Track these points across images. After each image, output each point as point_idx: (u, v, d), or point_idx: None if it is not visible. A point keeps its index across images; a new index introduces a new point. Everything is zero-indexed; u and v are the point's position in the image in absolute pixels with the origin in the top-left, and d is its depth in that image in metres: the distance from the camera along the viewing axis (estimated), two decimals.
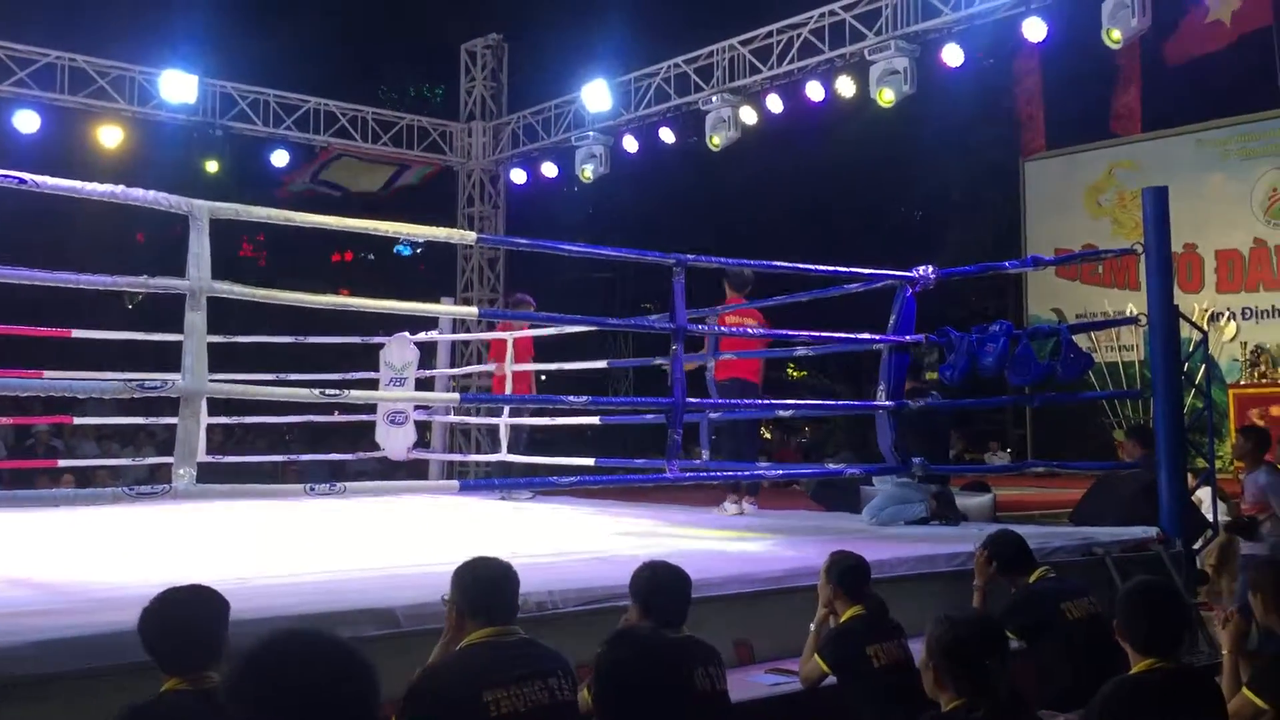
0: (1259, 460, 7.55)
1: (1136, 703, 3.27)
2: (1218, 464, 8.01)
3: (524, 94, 16.29)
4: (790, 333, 7.64)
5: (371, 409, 9.54)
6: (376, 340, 9.71)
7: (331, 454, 11.45)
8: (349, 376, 9.25)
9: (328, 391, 5.22)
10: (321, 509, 8.13)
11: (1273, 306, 14.46)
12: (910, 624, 4.23)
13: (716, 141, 12.80)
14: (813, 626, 4.36)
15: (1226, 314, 14.47)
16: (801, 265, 6.97)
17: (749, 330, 8.04)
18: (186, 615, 2.91)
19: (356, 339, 9.82)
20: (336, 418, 10.10)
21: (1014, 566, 4.94)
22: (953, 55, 11.10)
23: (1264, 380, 13.36)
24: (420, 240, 7.28)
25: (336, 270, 23.95)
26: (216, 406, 8.72)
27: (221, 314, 5.12)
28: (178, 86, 12.96)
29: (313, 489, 4.78)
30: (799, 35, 12.11)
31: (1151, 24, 9.92)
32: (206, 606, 2.96)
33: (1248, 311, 14.62)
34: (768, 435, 18.64)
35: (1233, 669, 3.90)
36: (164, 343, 7.40)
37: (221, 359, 5.18)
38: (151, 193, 4.59)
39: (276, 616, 3.59)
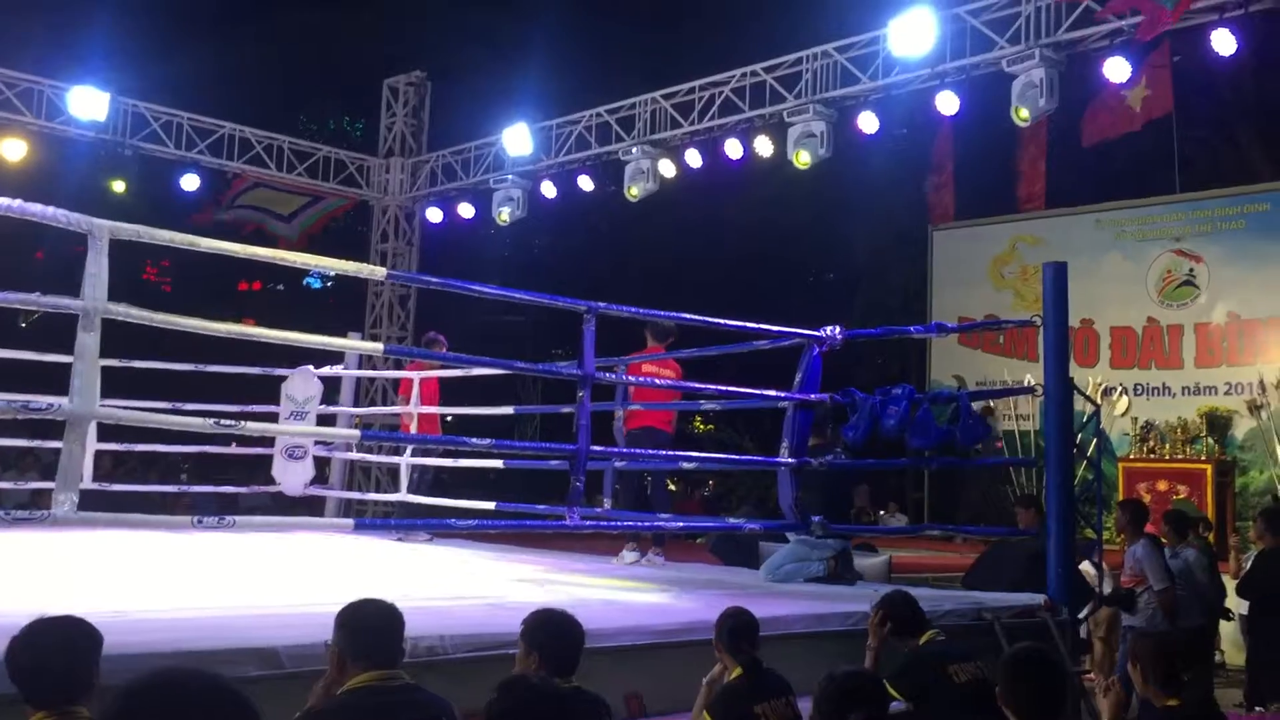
0: (1138, 533, 7.74)
1: None
2: (1105, 535, 8.21)
3: (445, 133, 16.30)
4: (697, 385, 7.68)
5: (269, 442, 9.33)
6: (279, 372, 9.51)
7: (225, 486, 11.14)
8: (248, 408, 9.04)
9: (224, 422, 5.08)
10: (210, 543, 7.90)
11: (1163, 384, 14.93)
12: (803, 682, 4.22)
13: (635, 192, 12.91)
14: (705, 681, 4.34)
15: (1119, 389, 14.91)
16: (711, 319, 7.01)
17: (656, 381, 8.05)
18: (55, 646, 2.80)
19: (258, 369, 9.61)
20: (233, 449, 9.84)
21: (907, 628, 4.98)
22: (868, 123, 11.39)
23: (1152, 455, 13.80)
24: (330, 273, 7.19)
25: (243, 299, 23.60)
26: (108, 432, 8.45)
27: (119, 338, 4.97)
28: (88, 103, 12.69)
29: (201, 521, 4.64)
30: (720, 93, 12.32)
31: (1059, 105, 10.28)
32: (77, 638, 2.86)
33: (1139, 388, 15.08)
34: (672, 487, 18.64)
35: None
36: (58, 364, 7.16)
37: (116, 384, 5.01)
38: (51, 209, 4.42)
39: (154, 653, 3.47)
